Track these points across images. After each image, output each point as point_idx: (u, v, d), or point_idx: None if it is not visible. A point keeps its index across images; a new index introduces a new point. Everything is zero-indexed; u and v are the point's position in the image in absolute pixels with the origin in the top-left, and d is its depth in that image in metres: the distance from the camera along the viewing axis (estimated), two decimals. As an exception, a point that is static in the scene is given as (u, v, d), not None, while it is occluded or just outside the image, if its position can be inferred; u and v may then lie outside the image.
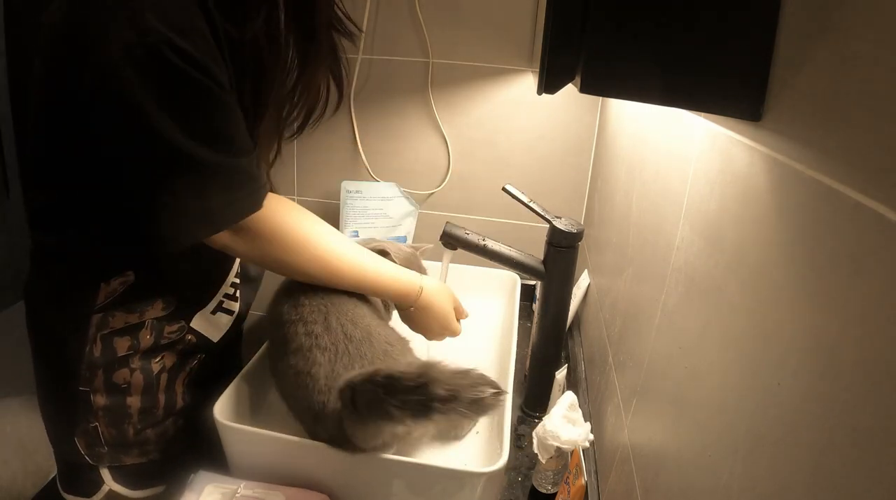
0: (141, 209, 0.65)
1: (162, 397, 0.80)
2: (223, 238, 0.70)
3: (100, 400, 0.76)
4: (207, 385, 0.84)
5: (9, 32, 1.88)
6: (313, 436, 0.74)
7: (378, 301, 0.90)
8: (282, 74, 0.75)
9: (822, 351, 0.31)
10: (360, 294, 0.84)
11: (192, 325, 0.81)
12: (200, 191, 0.65)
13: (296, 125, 0.88)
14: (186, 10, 0.60)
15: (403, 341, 0.83)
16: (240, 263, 0.90)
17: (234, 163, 0.66)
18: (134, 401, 0.77)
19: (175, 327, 0.79)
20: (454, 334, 0.94)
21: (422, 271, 0.97)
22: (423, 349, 1.02)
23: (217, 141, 0.64)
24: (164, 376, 0.80)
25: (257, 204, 0.70)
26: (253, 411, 0.88)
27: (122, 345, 0.75)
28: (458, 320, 0.94)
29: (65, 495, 0.82)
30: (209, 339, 0.84)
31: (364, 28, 1.33)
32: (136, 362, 0.77)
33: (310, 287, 0.81)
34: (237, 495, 0.71)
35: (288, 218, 0.76)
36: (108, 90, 0.59)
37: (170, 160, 0.62)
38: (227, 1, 0.63)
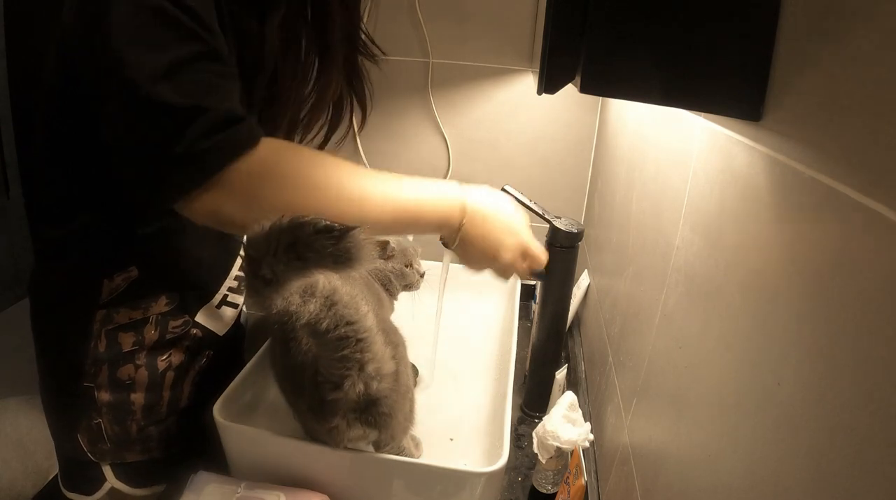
0: (127, 168, 0.62)
1: (167, 395, 0.80)
2: (215, 199, 0.60)
3: (104, 396, 0.76)
4: (212, 384, 0.84)
5: (9, 33, 1.88)
6: (308, 431, 0.74)
7: (377, 289, 0.91)
8: (295, 83, 0.76)
9: (821, 351, 0.31)
10: (361, 279, 0.84)
11: (196, 319, 0.81)
12: (179, 136, 0.58)
13: (316, 143, 0.89)
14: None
15: (393, 326, 0.83)
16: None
17: (207, 103, 0.59)
18: (138, 398, 0.77)
19: (179, 321, 0.79)
20: (506, 273, 0.75)
21: (415, 258, 0.97)
22: (428, 349, 1.02)
23: (187, 85, 0.59)
24: (170, 374, 0.80)
25: (249, 142, 0.60)
26: (253, 411, 0.88)
27: (126, 341, 0.75)
28: (532, 266, 0.76)
29: (66, 492, 0.82)
30: (215, 333, 0.85)
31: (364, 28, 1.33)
32: (141, 359, 0.77)
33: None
34: (237, 495, 0.71)
35: (290, 155, 0.64)
36: (101, 40, 0.58)
37: (149, 105, 0.57)
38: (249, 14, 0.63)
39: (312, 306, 0.60)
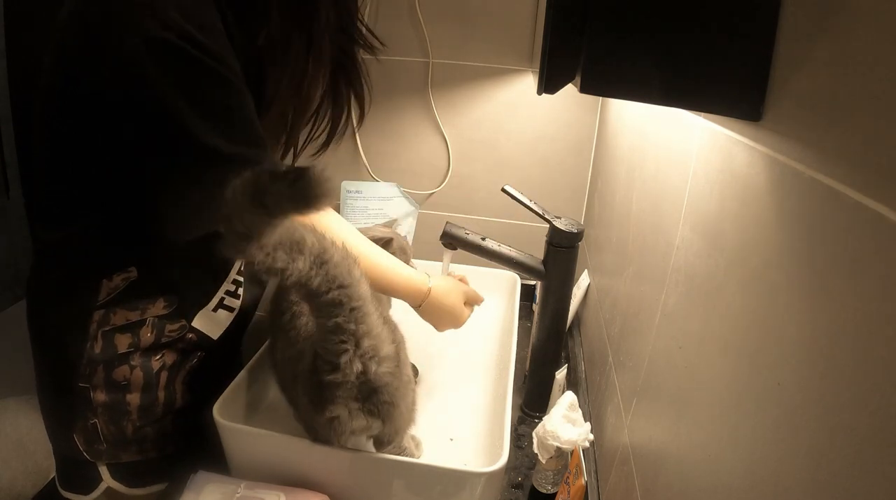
0: (153, 203, 0.65)
1: (161, 395, 0.80)
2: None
3: (99, 397, 0.76)
4: (208, 384, 0.84)
5: (9, 33, 1.88)
6: (310, 430, 0.74)
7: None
8: (288, 83, 0.76)
9: (822, 351, 0.31)
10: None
11: (193, 324, 0.81)
12: (220, 182, 0.61)
13: (320, 140, 0.90)
14: (205, 7, 0.62)
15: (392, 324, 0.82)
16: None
17: (253, 154, 0.66)
18: (133, 398, 0.77)
19: (176, 326, 0.79)
20: (460, 324, 0.96)
21: (408, 253, 1.00)
22: (428, 349, 1.02)
23: (235, 131, 0.64)
24: (163, 374, 0.80)
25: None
26: (253, 411, 0.88)
27: (122, 342, 0.75)
28: (474, 305, 0.98)
29: (63, 492, 0.82)
30: (209, 336, 0.85)
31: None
32: (136, 360, 0.77)
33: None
34: (237, 495, 0.71)
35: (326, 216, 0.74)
36: (129, 83, 0.60)
37: (189, 150, 0.62)
38: (240, 5, 0.65)
39: (301, 264, 0.60)
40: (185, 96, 0.61)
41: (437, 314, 0.91)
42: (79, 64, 0.64)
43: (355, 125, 0.94)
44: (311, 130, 0.90)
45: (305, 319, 0.77)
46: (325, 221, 0.76)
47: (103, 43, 0.60)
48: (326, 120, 0.89)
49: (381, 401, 0.68)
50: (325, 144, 0.91)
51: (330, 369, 0.66)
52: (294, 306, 0.79)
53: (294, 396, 0.77)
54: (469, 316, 0.96)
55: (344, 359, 0.65)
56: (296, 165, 0.77)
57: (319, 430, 0.71)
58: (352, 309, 0.64)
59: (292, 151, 0.90)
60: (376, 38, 0.88)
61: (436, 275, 0.92)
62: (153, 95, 0.60)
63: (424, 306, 0.88)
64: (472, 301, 0.96)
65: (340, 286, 0.63)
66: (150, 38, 0.58)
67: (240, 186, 0.53)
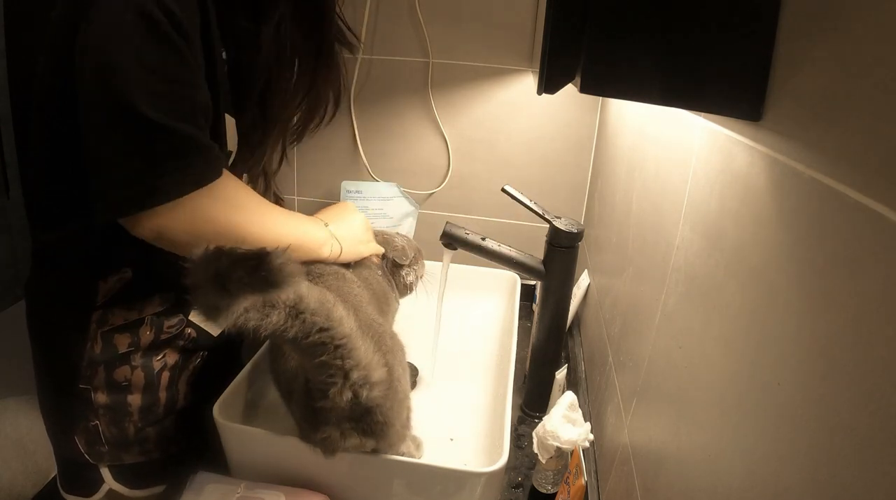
0: (94, 174, 0.63)
1: (163, 395, 0.80)
2: (161, 219, 0.64)
3: (100, 398, 0.76)
4: (209, 384, 0.84)
5: (9, 33, 1.88)
6: (305, 439, 0.74)
7: (383, 291, 0.91)
8: (287, 84, 0.76)
9: (822, 351, 0.31)
10: (361, 282, 0.84)
11: (190, 318, 0.81)
12: (147, 153, 0.61)
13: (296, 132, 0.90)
14: None
15: (392, 330, 0.82)
16: None
17: (189, 131, 0.63)
18: (135, 399, 0.77)
19: (174, 321, 0.79)
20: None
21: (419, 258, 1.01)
22: (428, 349, 1.02)
23: (174, 105, 0.62)
24: (165, 374, 0.80)
25: (207, 179, 0.65)
26: (253, 411, 0.88)
27: (122, 342, 0.75)
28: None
29: (65, 494, 0.82)
30: (209, 333, 0.85)
31: (364, 28, 1.33)
32: (136, 360, 0.77)
33: (307, 273, 0.81)
34: (237, 495, 0.71)
35: (239, 193, 0.72)
36: (87, 40, 0.59)
37: (121, 111, 0.60)
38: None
39: (276, 318, 0.59)
40: (138, 64, 0.59)
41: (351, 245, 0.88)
42: (63, 57, 0.63)
43: (327, 119, 0.94)
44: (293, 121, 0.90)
45: None
46: (262, 205, 0.75)
47: (78, 20, 0.60)
48: (306, 113, 0.89)
49: (374, 421, 0.68)
50: (300, 137, 0.91)
51: (321, 396, 0.65)
52: None
53: (288, 405, 0.77)
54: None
55: (333, 391, 0.64)
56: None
57: (313, 445, 0.71)
58: (336, 347, 0.63)
59: (281, 146, 0.91)
60: (354, 33, 0.88)
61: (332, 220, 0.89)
62: (109, 62, 0.59)
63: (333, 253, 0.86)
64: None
65: (321, 330, 0.62)
66: (122, 7, 0.58)
67: (201, 268, 0.53)
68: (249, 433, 0.75)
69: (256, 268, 0.52)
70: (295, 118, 0.89)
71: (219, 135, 0.73)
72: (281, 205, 1.00)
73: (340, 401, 0.65)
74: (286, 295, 0.59)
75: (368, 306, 0.81)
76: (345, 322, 0.64)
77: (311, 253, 0.82)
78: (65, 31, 0.62)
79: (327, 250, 0.83)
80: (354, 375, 0.64)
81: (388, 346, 0.74)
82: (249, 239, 0.71)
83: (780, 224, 0.38)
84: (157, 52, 0.60)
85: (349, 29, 0.88)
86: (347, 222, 0.90)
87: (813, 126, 0.35)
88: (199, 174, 0.64)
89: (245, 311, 0.57)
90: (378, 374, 0.66)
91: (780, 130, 0.39)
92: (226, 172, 0.69)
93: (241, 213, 0.71)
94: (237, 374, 0.85)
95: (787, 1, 0.39)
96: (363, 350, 0.65)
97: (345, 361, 0.63)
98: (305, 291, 0.61)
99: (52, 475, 1.39)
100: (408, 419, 0.75)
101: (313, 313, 0.61)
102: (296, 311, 0.60)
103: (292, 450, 0.74)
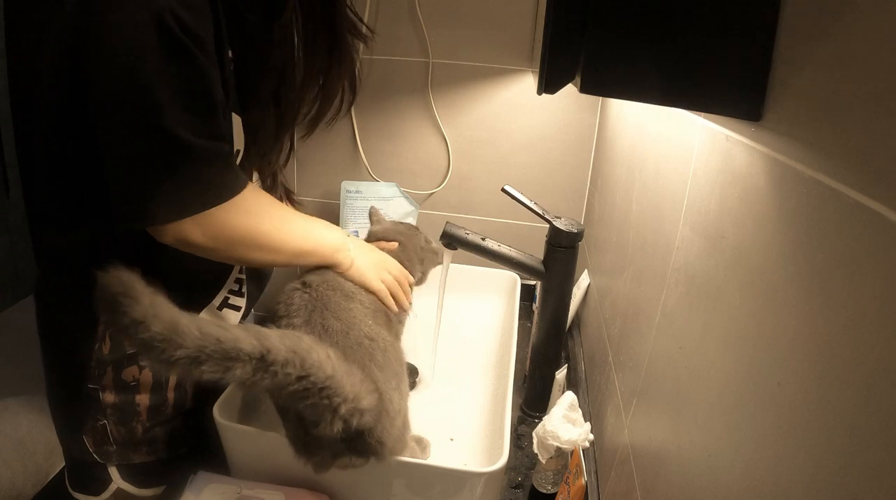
0: (115, 183, 0.65)
1: (171, 395, 0.80)
2: (185, 227, 0.67)
3: (109, 398, 0.76)
4: (216, 385, 0.84)
5: (9, 33, 1.88)
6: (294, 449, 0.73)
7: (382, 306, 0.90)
8: (302, 79, 0.76)
9: (822, 351, 0.31)
10: (357, 295, 0.83)
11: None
12: (175, 169, 0.64)
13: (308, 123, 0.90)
14: None
15: (388, 341, 0.80)
16: None
17: (213, 147, 0.66)
18: (143, 399, 0.77)
19: None
20: (401, 272, 0.92)
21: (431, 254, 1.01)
22: (428, 349, 1.02)
23: (198, 121, 0.64)
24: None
25: (231, 193, 0.68)
26: (253, 411, 0.88)
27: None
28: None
29: (73, 493, 0.82)
30: None
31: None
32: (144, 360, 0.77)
33: (306, 285, 0.80)
34: (237, 495, 0.71)
35: (261, 204, 0.75)
36: (107, 55, 0.60)
37: (149, 129, 0.62)
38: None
39: (240, 371, 0.58)
40: (154, 73, 0.60)
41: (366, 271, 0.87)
42: (72, 57, 0.63)
43: (347, 109, 0.94)
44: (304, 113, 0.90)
45: (285, 321, 0.76)
46: (282, 215, 0.77)
47: (89, 24, 0.60)
48: (315, 107, 0.90)
49: (367, 442, 0.67)
50: (312, 129, 0.91)
51: (312, 426, 0.65)
52: (280, 314, 0.78)
53: (284, 426, 0.76)
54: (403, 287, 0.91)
55: (323, 424, 0.64)
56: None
57: (305, 462, 0.70)
58: (321, 389, 0.62)
59: (288, 140, 0.91)
60: (366, 25, 0.89)
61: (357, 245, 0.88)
62: (125, 68, 0.60)
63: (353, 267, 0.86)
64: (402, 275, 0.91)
65: (299, 378, 0.60)
66: (136, 12, 0.58)
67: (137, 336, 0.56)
68: (249, 433, 0.75)
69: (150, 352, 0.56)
70: (306, 111, 0.89)
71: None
72: (291, 198, 1.01)
73: (331, 431, 0.64)
74: (252, 345, 0.58)
75: (366, 318, 0.79)
76: (324, 365, 0.62)
77: (326, 258, 0.83)
78: (75, 36, 0.63)
79: (340, 256, 0.84)
80: (343, 409, 0.63)
81: (379, 363, 0.73)
82: (268, 244, 0.75)
83: (780, 224, 0.38)
84: (179, 70, 0.61)
85: (361, 20, 0.88)
86: (373, 250, 0.90)
87: (813, 126, 0.35)
88: (224, 188, 0.68)
89: (190, 362, 0.56)
90: (367, 401, 0.65)
91: (780, 130, 0.39)
92: (251, 194, 0.72)
93: (260, 220, 0.74)
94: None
95: (787, 1, 0.39)
96: (349, 386, 0.64)
97: (332, 399, 0.62)
98: (275, 342, 0.60)
99: (53, 475, 1.40)
100: (403, 425, 0.75)
101: (284, 364, 0.59)
102: (264, 364, 0.59)
103: (292, 450, 0.74)
